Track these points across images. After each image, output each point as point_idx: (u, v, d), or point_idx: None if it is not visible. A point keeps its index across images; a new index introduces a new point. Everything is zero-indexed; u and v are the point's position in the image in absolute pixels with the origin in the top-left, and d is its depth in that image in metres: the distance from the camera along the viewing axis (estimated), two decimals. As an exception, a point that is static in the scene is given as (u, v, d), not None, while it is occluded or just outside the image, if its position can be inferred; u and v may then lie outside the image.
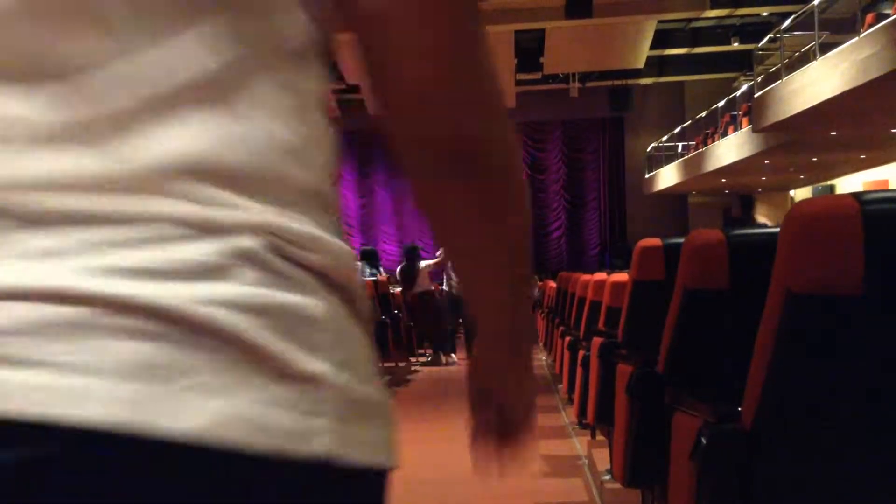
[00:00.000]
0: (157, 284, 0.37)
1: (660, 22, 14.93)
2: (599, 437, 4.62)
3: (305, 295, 0.41)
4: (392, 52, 0.47)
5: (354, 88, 18.23)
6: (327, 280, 0.43)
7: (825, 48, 9.55)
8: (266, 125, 0.42)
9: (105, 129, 0.38)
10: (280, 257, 0.41)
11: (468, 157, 0.51)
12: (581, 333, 5.41)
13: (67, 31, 0.38)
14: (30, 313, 0.36)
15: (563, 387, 6.75)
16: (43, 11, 0.38)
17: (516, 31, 14.76)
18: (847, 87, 8.67)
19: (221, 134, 0.40)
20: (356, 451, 0.42)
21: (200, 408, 0.37)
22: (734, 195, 18.97)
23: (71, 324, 0.36)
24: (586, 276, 6.01)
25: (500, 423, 0.71)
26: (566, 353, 5.95)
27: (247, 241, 0.40)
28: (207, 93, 0.40)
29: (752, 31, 15.59)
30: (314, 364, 0.41)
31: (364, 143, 20.76)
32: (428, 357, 9.71)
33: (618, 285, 3.99)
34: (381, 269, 9.86)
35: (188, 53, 0.40)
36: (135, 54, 0.39)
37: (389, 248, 20.03)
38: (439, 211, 0.56)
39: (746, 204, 18.84)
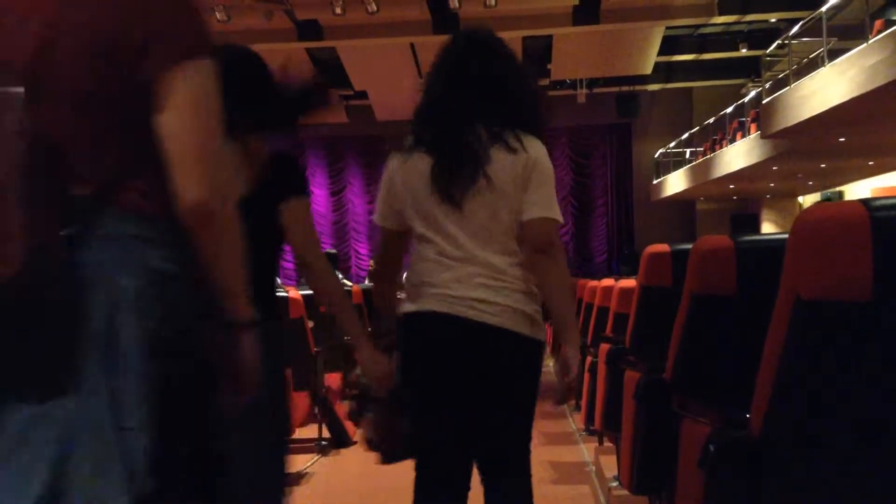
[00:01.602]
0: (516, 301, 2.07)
1: (667, 28, 14.92)
2: (607, 444, 4.61)
3: (537, 305, 2.11)
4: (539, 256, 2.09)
5: (362, 94, 18.23)
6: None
7: (833, 54, 9.53)
8: (526, 287, 2.12)
9: (496, 256, 2.08)
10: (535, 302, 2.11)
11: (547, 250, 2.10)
12: (589, 339, 5.40)
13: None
14: (511, 314, 2.06)
15: (570, 393, 6.73)
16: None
17: (524, 38, 14.77)
18: (855, 94, 8.65)
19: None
20: (542, 336, 2.12)
21: (523, 327, 2.06)
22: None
23: (502, 310, 2.05)
24: (594, 282, 6.00)
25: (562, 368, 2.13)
26: (573, 360, 5.93)
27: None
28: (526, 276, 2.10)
29: (760, 37, 15.56)
30: (539, 318, 2.10)
31: (371, 147, 20.79)
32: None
33: (625, 291, 3.98)
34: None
35: (508, 253, 2.09)
36: (514, 253, 2.09)
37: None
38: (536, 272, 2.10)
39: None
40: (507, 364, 2.08)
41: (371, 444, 2.23)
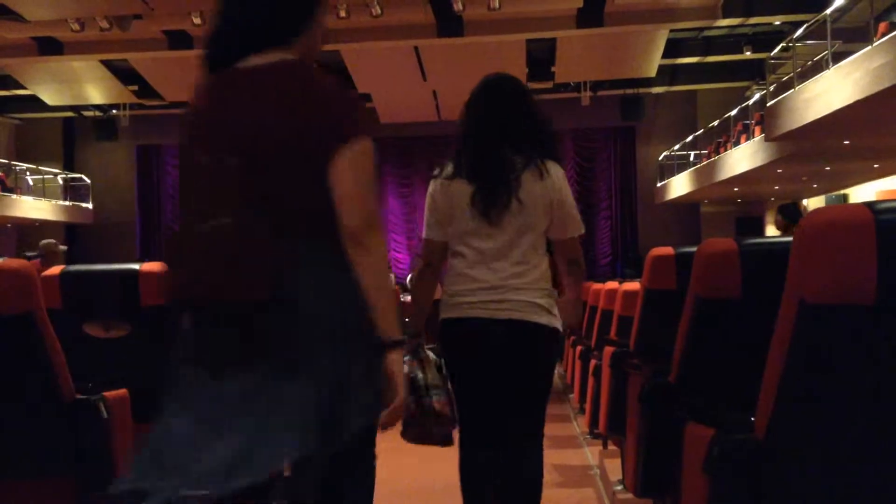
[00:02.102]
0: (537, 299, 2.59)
1: (671, 31, 14.90)
2: (611, 447, 4.60)
3: (552, 299, 2.60)
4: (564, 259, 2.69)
5: (366, 97, 18.24)
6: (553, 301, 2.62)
7: (838, 57, 9.52)
8: (544, 272, 2.62)
9: (517, 266, 2.58)
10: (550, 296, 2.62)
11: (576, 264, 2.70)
12: (593, 343, 5.40)
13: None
14: (525, 306, 2.54)
15: (574, 396, 6.72)
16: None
17: (528, 41, 14.77)
18: (860, 96, 8.64)
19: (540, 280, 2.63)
20: (558, 325, 2.60)
21: (538, 318, 2.55)
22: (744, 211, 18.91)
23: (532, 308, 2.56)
24: (598, 285, 6.00)
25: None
26: (578, 363, 5.93)
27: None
28: (540, 278, 2.61)
29: (765, 39, 15.53)
30: (553, 310, 2.59)
31: (375, 149, 20.74)
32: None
33: (629, 294, 3.98)
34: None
35: (540, 270, 2.60)
36: (529, 263, 2.59)
37: (400, 257, 20.04)
38: (565, 278, 2.70)
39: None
40: (529, 347, 2.57)
41: (432, 435, 2.61)
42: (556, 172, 2.60)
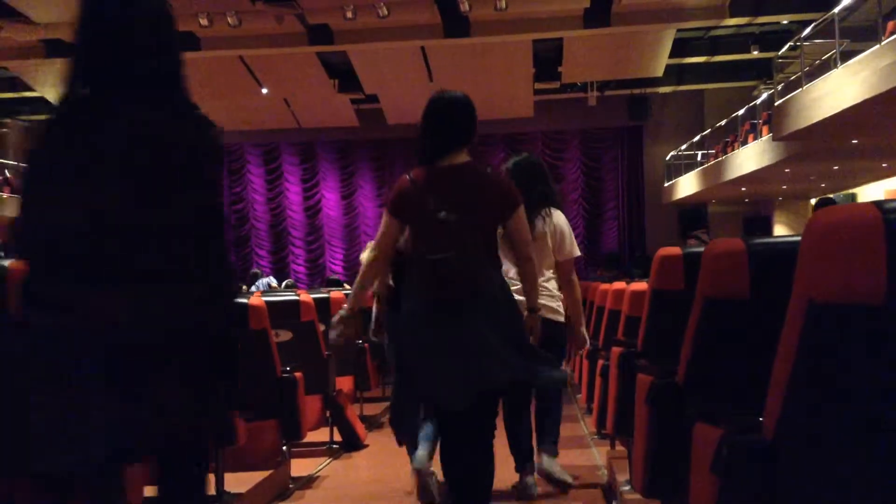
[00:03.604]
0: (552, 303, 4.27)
1: (679, 30, 14.89)
2: (619, 448, 4.59)
3: (560, 301, 4.32)
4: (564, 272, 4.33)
5: (373, 98, 18.23)
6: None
7: (846, 56, 9.49)
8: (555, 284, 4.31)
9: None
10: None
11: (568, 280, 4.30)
12: (600, 343, 5.39)
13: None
14: (544, 309, 3.97)
15: (581, 396, 6.72)
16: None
17: (535, 41, 14.76)
18: (868, 95, 8.61)
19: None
20: (563, 319, 4.30)
21: (554, 315, 4.22)
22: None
23: (547, 310, 4.12)
24: (605, 285, 5.99)
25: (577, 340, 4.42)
26: (585, 363, 5.92)
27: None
28: (553, 288, 4.27)
29: (772, 39, 15.51)
30: (561, 309, 4.31)
31: (382, 151, 20.81)
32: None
33: (637, 294, 3.97)
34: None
35: (553, 282, 4.29)
36: (545, 276, 4.19)
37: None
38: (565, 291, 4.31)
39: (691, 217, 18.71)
40: (547, 333, 3.64)
41: None
42: (557, 215, 4.19)
